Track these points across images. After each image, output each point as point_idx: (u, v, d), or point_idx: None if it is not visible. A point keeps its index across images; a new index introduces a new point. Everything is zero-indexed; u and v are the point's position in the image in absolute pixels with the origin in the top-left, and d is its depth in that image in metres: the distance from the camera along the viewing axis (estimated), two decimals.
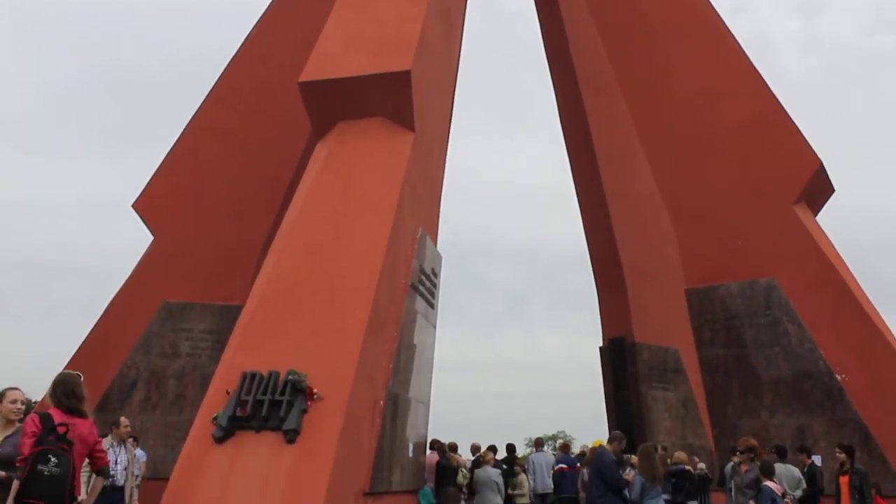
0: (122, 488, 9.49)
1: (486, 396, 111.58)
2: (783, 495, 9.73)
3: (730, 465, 14.30)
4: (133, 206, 19.12)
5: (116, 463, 9.52)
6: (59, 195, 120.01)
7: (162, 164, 19.36)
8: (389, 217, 12.08)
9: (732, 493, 11.24)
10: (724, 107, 18.73)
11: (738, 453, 10.61)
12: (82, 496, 6.11)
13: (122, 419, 10.18)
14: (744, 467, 9.30)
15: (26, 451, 5.39)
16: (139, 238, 19.18)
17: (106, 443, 9.48)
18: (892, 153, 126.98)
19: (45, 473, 5.41)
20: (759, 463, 9.59)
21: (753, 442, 9.40)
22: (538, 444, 16.31)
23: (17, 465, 5.42)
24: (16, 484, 5.33)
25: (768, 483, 9.53)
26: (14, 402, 6.42)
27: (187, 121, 19.61)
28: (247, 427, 10.22)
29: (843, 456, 10.38)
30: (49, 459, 5.46)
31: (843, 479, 10.15)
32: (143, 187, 19.28)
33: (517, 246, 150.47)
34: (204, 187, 18.73)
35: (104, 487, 9.22)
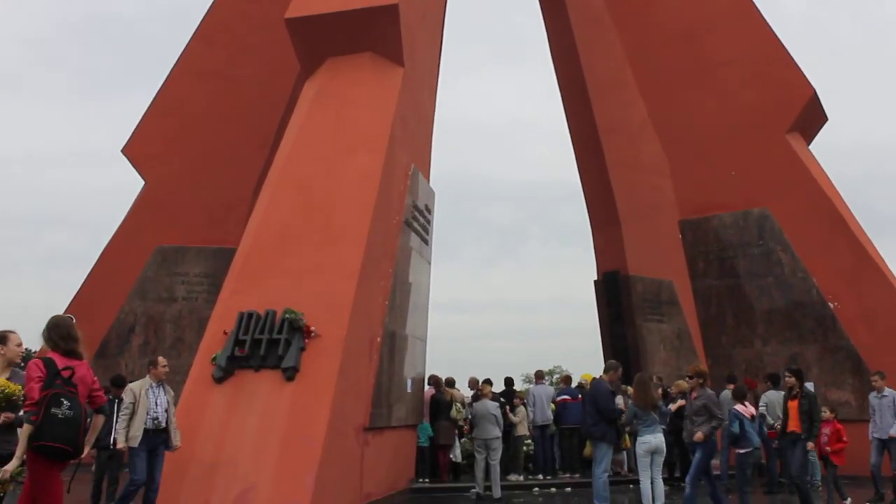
0: (165, 430, 9.52)
1: (481, 335, 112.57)
2: (752, 418, 9.81)
3: (725, 393, 14.44)
4: (123, 151, 18.95)
5: (157, 405, 9.51)
6: (44, 145, 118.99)
7: (150, 108, 19.13)
8: (381, 153, 11.98)
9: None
10: (717, 37, 18.49)
11: (687, 378, 10.58)
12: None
13: (160, 359, 10.16)
14: (693, 394, 9.25)
15: (35, 395, 5.35)
16: (130, 184, 19.07)
17: (144, 383, 9.52)
18: (886, 87, 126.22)
19: (59, 416, 5.40)
20: (708, 390, 9.58)
21: (702, 367, 9.36)
22: (538, 376, 16.38)
23: (26, 409, 5.37)
24: (28, 428, 5.31)
25: (738, 406, 9.62)
26: (19, 345, 6.38)
27: (174, 63, 19.33)
28: (246, 366, 10.30)
29: (791, 380, 10.37)
30: (62, 402, 5.45)
31: (792, 404, 10.16)
32: (131, 133, 19.09)
33: (510, 184, 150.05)
34: (193, 130, 18.53)
35: (146, 430, 9.29)
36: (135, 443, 9.24)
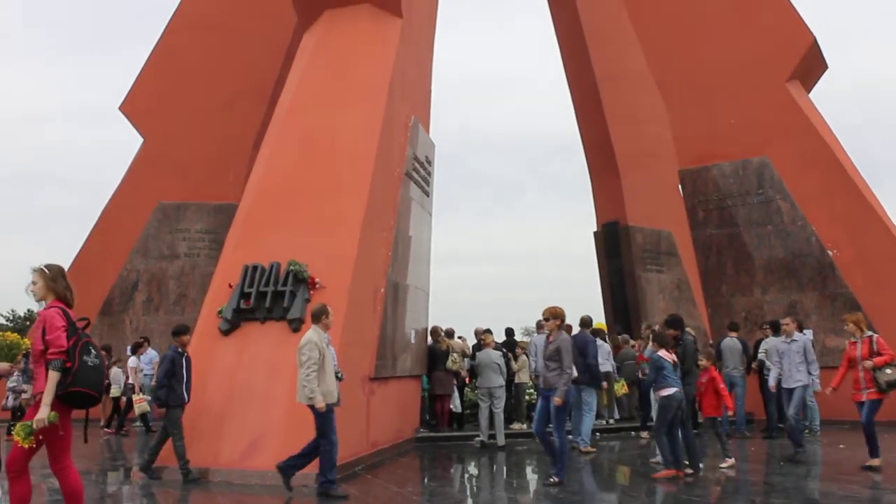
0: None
1: (481, 287, 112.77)
2: (675, 364, 9.74)
3: (726, 341, 14.52)
4: (120, 108, 18.82)
5: (334, 357, 8.99)
6: (41, 103, 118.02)
7: (146, 63, 18.97)
8: (381, 104, 11.92)
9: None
10: None
11: (543, 321, 10.10)
12: None
13: (329, 308, 9.31)
14: (549, 337, 8.99)
15: (63, 343, 5.36)
16: (130, 142, 18.96)
17: (320, 335, 8.52)
18: (886, 33, 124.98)
19: (90, 364, 5.47)
20: (565, 334, 9.43)
21: (558, 309, 9.08)
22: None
23: (55, 356, 5.33)
24: (57, 375, 5.31)
25: (661, 353, 9.61)
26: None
27: (169, 17, 19.10)
28: (251, 318, 10.40)
29: (671, 332, 10.37)
30: (90, 350, 5.52)
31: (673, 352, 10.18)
32: (129, 89, 18.95)
33: (508, 136, 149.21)
34: (191, 84, 18.38)
35: None
36: (332, 398, 8.47)
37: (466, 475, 11.00)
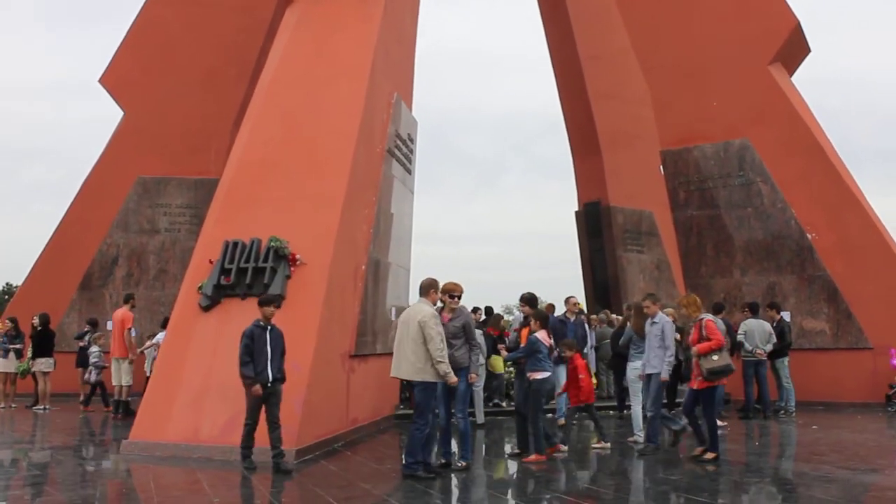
0: None
1: (462, 266, 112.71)
2: (550, 348, 9.73)
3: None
4: (100, 81, 18.59)
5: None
6: (19, 75, 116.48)
7: (127, 36, 18.70)
8: (364, 81, 11.89)
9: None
10: None
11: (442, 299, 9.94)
12: None
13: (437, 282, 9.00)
14: (446, 315, 8.99)
15: None
16: (109, 115, 18.77)
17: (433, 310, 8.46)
18: (870, 18, 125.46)
19: None
20: (466, 309, 9.46)
21: (452, 284, 9.04)
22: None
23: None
24: None
25: (540, 334, 9.61)
26: None
27: None
28: (232, 294, 10.40)
29: (526, 308, 10.37)
30: None
31: (524, 332, 10.22)
32: (109, 62, 18.72)
33: (490, 116, 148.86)
34: (172, 58, 18.17)
35: None
36: (454, 377, 8.36)
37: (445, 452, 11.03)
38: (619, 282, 18.24)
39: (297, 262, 10.39)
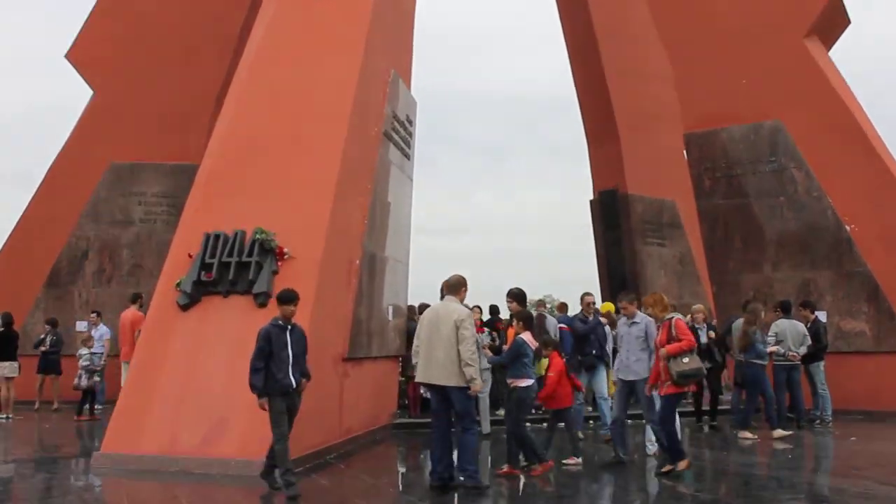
0: None
1: (466, 260, 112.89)
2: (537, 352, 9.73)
3: (738, 322, 14.39)
4: (67, 56, 18.54)
5: None
6: None
7: (96, 5, 18.67)
8: (358, 56, 11.85)
9: None
10: None
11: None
12: None
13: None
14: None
15: None
16: (78, 95, 18.72)
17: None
18: None
19: None
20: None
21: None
22: (540, 304, 16.54)
23: None
24: None
25: (525, 335, 9.57)
26: None
27: None
28: (213, 292, 10.37)
29: (514, 306, 10.34)
30: None
31: (510, 331, 10.22)
32: (76, 35, 18.66)
33: (496, 95, 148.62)
34: (147, 31, 18.11)
35: None
36: (481, 383, 8.57)
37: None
38: (638, 277, 18.26)
39: (285, 257, 10.36)
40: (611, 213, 19.13)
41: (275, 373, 8.17)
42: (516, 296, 10.23)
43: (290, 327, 8.37)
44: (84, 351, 15.56)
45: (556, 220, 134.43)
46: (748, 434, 12.51)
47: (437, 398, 8.56)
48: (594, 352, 12.43)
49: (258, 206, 10.71)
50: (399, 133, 13.78)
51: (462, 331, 8.19)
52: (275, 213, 10.61)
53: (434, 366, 8.28)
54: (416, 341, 8.65)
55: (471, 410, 8.47)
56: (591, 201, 20.12)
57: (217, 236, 10.55)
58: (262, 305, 9.96)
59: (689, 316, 14.22)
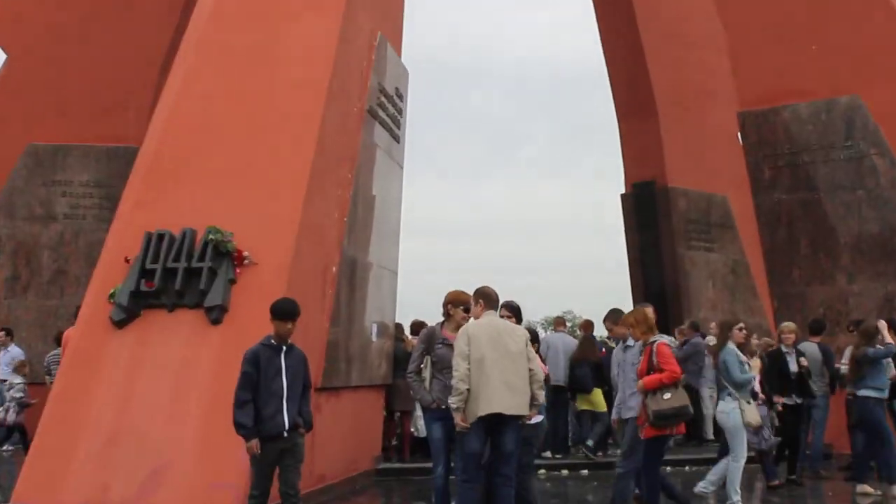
0: None
1: (468, 268, 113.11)
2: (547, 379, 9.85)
3: (804, 346, 14.25)
4: None
5: None
6: None
7: None
8: (337, 15, 11.90)
9: None
10: None
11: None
12: None
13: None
14: (450, 333, 9.35)
15: None
16: None
17: None
18: None
19: None
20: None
21: (461, 294, 9.36)
22: (558, 323, 16.55)
23: None
24: None
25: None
26: None
27: None
28: (156, 305, 10.33)
29: (512, 321, 10.41)
30: None
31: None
32: None
33: (508, 65, 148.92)
34: None
35: None
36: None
37: None
38: (680, 290, 18.25)
39: (245, 262, 10.33)
40: (647, 209, 19.11)
41: (261, 409, 7.79)
42: (514, 309, 10.17)
43: (285, 349, 8.01)
44: (18, 379, 15.51)
45: (579, 218, 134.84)
46: (867, 489, 12.15)
47: (483, 439, 8.59)
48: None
49: (212, 199, 10.71)
50: (386, 109, 13.81)
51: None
52: (232, 208, 10.60)
53: (509, 393, 8.39)
54: (461, 364, 8.57)
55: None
56: (623, 195, 20.09)
57: (161, 236, 10.50)
58: (216, 322, 9.93)
59: (771, 336, 14.17)
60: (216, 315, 9.98)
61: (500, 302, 9.18)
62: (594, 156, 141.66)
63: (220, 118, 11.33)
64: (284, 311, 7.99)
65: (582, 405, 15.00)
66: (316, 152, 10.98)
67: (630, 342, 10.26)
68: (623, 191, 20.18)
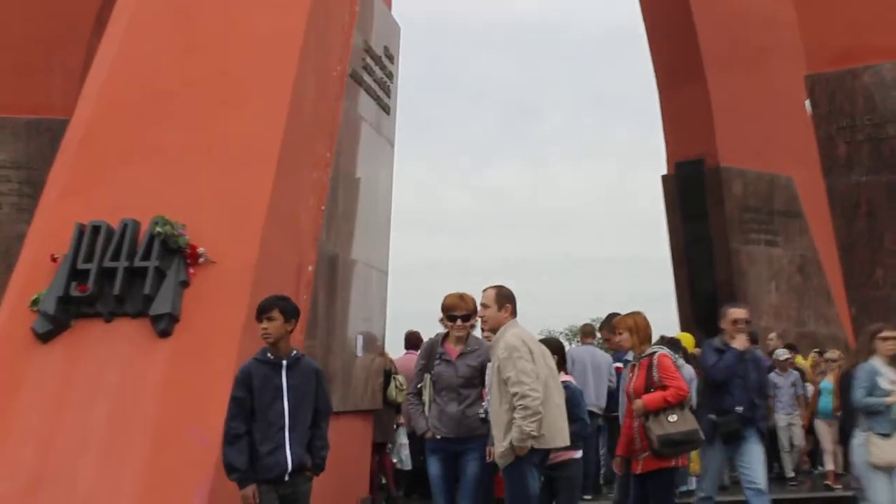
0: None
1: (475, 267, 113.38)
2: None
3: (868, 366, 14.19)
4: None
5: None
6: None
7: None
8: None
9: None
10: None
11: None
12: None
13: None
14: (452, 348, 9.38)
15: None
16: None
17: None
18: None
19: None
20: (482, 342, 9.79)
21: (455, 299, 9.36)
22: (585, 333, 16.53)
23: None
24: None
25: (565, 377, 9.74)
26: None
27: None
28: (90, 314, 10.25)
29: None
30: None
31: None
32: None
33: (521, 23, 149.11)
34: None
35: None
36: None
37: None
38: (736, 294, 18.23)
39: (200, 260, 10.27)
40: (694, 195, 19.13)
41: (256, 444, 7.66)
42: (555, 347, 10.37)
43: (286, 363, 7.83)
44: None
45: (610, 207, 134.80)
46: None
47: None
48: (740, 408, 12.14)
49: (159, 185, 10.65)
50: (374, 74, 13.82)
51: None
52: (184, 194, 10.56)
53: (563, 422, 8.68)
54: (536, 383, 8.62)
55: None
56: (664, 178, 20.10)
57: (96, 229, 10.44)
58: (165, 334, 9.83)
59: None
60: (164, 325, 9.88)
61: None
62: (628, 131, 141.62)
63: (169, 83, 11.29)
64: (260, 307, 7.97)
65: None
66: (287, 126, 10.95)
67: (629, 355, 10.43)
68: (664, 172, 20.19)
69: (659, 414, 9.00)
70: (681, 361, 13.65)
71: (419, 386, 9.91)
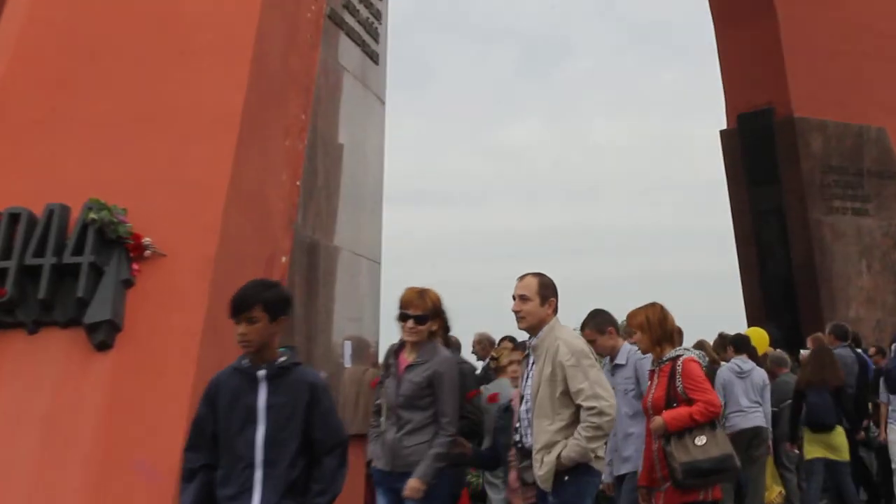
0: None
1: (488, 253, 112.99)
2: None
3: None
4: None
5: None
6: None
7: None
8: None
9: None
10: None
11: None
12: None
13: None
14: (404, 357, 9.35)
15: None
16: None
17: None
18: None
19: None
20: (438, 348, 9.73)
21: (411, 292, 9.27)
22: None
23: None
24: None
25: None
26: None
27: None
28: (9, 323, 10.25)
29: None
30: None
31: None
32: None
33: None
34: None
35: None
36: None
37: None
38: (819, 275, 18.22)
39: (146, 253, 10.27)
40: (762, 153, 19.10)
41: (217, 484, 6.89)
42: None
43: (266, 372, 6.97)
44: None
45: (655, 168, 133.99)
46: None
47: None
48: None
49: (92, 161, 10.68)
50: (358, 14, 13.83)
51: None
52: (125, 171, 10.58)
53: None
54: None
55: None
56: (724, 133, 20.10)
57: (14, 217, 10.44)
58: (104, 347, 9.83)
59: None
60: (103, 336, 9.87)
61: None
62: (677, 75, 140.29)
63: (102, 34, 11.28)
64: (235, 303, 7.06)
65: (815, 451, 14.91)
66: (250, 81, 10.96)
67: (621, 360, 10.51)
68: (724, 126, 20.19)
69: (683, 435, 8.79)
70: (748, 365, 13.71)
71: (378, 402, 9.86)
